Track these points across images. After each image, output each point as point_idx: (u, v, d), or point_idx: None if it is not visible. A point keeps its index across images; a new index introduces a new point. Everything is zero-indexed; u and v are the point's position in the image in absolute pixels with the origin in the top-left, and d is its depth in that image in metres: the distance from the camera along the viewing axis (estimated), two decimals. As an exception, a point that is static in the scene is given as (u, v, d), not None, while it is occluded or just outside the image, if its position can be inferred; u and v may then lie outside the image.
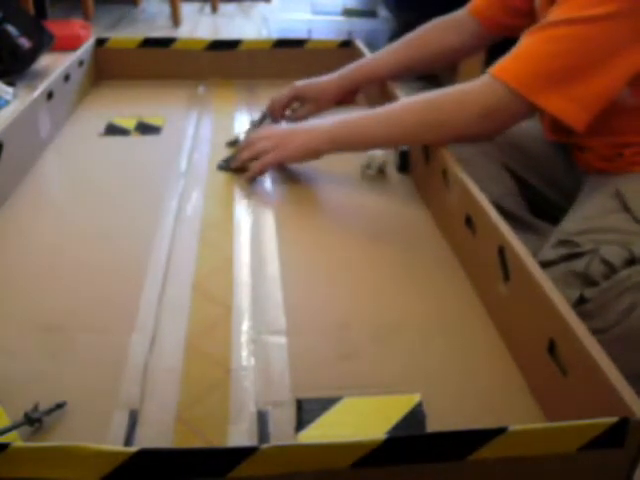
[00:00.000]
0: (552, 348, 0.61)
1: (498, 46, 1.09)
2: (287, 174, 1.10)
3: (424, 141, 1.01)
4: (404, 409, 0.61)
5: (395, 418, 0.60)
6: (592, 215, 0.94)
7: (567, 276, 0.86)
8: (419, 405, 0.61)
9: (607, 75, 0.87)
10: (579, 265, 0.86)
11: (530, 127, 1.21)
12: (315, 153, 1.04)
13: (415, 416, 0.60)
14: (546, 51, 0.89)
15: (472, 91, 0.93)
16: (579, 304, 0.83)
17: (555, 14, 0.89)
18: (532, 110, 0.91)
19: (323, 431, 0.58)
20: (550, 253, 0.91)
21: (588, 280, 0.85)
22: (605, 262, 0.85)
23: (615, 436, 0.49)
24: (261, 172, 1.06)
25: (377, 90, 1.34)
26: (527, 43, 0.91)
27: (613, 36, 0.86)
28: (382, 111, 1.00)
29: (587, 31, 0.86)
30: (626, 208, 0.92)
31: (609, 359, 0.54)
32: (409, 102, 1.00)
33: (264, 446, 0.45)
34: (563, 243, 0.91)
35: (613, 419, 0.48)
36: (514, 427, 0.47)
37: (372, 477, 0.47)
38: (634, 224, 0.89)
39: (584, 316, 0.80)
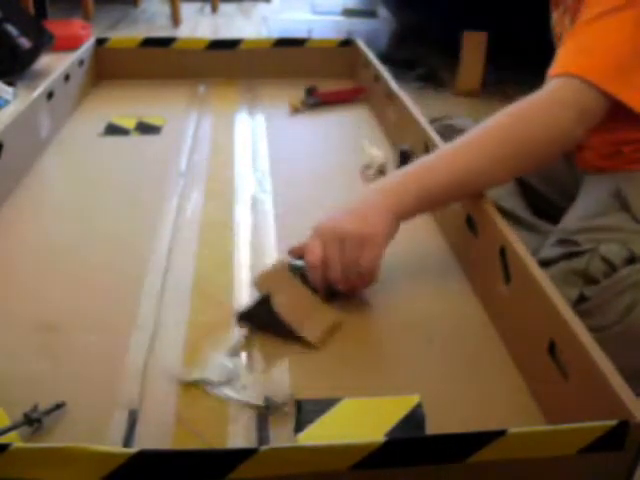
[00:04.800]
0: (552, 349, 0.61)
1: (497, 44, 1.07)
2: (287, 174, 1.09)
3: (515, 163, 0.81)
4: (403, 410, 0.61)
5: (394, 419, 0.60)
6: (592, 214, 0.94)
7: (567, 274, 0.86)
8: (418, 406, 0.61)
9: None
10: (579, 263, 0.86)
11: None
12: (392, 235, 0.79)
13: (414, 417, 0.60)
14: (616, 40, 0.84)
15: (558, 96, 0.82)
16: (579, 302, 0.83)
17: (601, 5, 0.85)
18: (611, 105, 0.84)
19: (322, 432, 0.58)
20: (550, 252, 0.91)
21: (588, 278, 0.85)
22: (605, 260, 0.85)
23: (615, 439, 0.48)
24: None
25: (379, 89, 1.34)
26: (589, 35, 0.85)
27: None
28: (453, 148, 0.82)
29: None
30: (626, 207, 0.92)
31: (609, 361, 0.54)
32: (486, 126, 0.82)
33: (263, 448, 0.45)
34: (563, 242, 0.91)
35: (613, 422, 0.48)
36: (514, 429, 0.47)
37: (371, 479, 0.47)
38: (634, 223, 0.90)
39: (584, 314, 0.80)
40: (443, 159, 0.80)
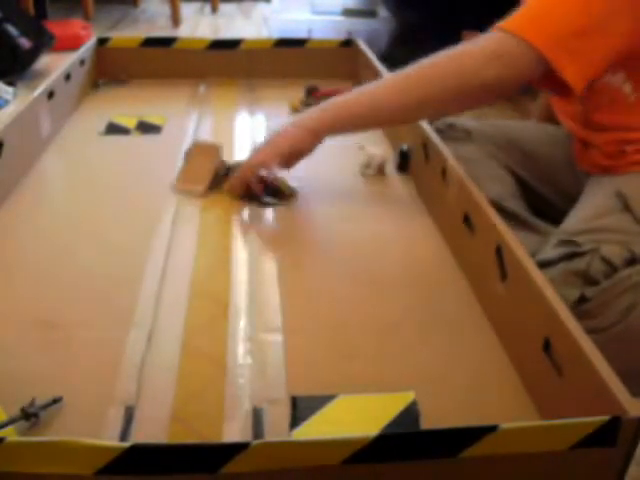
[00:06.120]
0: (547, 347, 0.61)
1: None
2: (286, 173, 1.10)
3: (427, 96, 0.92)
4: (398, 407, 0.61)
5: (389, 416, 0.60)
6: (593, 215, 0.94)
7: (568, 275, 0.86)
8: (413, 403, 0.62)
9: (608, 39, 0.87)
10: (580, 264, 0.86)
11: (533, 129, 1.21)
12: (305, 150, 0.99)
13: (409, 414, 0.60)
14: (555, 6, 0.89)
15: (478, 42, 0.90)
16: (580, 303, 0.83)
17: None
18: (539, 62, 0.88)
19: (317, 428, 0.59)
20: (551, 253, 0.91)
21: (589, 279, 0.85)
22: (606, 261, 0.85)
23: (607, 434, 0.49)
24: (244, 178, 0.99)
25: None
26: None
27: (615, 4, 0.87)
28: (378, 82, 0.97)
29: None
30: (627, 208, 0.92)
31: (603, 358, 0.54)
32: (420, 65, 0.93)
33: (255, 442, 0.45)
34: (564, 243, 0.91)
35: (605, 417, 0.48)
36: (505, 425, 0.47)
37: (363, 474, 0.47)
38: (635, 225, 0.90)
39: (585, 315, 0.80)
40: (365, 92, 0.97)
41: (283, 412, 0.61)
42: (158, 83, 1.53)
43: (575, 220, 0.97)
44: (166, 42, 1.57)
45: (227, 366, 0.67)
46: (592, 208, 0.96)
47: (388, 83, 0.97)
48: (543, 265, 0.86)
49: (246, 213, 0.97)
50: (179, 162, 1.13)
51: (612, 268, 0.85)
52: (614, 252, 0.85)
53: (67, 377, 0.64)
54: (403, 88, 0.93)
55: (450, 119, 1.22)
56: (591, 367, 0.53)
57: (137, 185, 1.05)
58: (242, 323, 0.73)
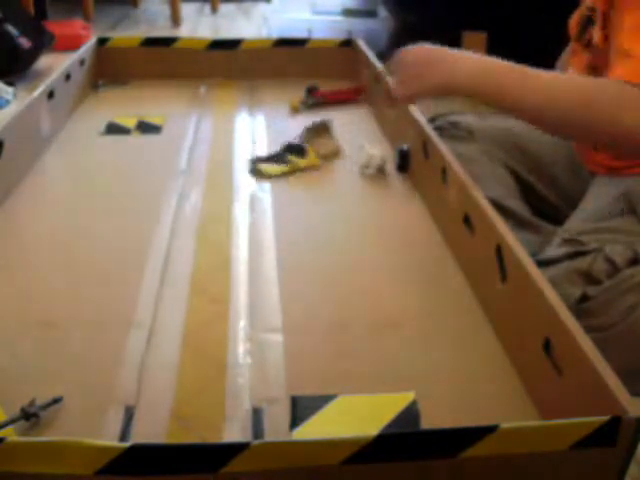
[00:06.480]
0: (547, 347, 0.61)
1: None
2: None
3: (583, 127, 0.86)
4: (398, 407, 0.61)
5: (389, 416, 0.60)
6: (598, 216, 0.94)
7: (571, 274, 0.86)
8: (413, 403, 0.62)
9: None
10: (583, 263, 0.86)
11: (536, 130, 1.21)
12: (449, 94, 0.96)
13: (409, 414, 0.60)
14: None
15: (627, 103, 0.82)
16: (582, 302, 0.83)
17: None
18: None
19: (317, 428, 0.59)
20: (555, 251, 0.91)
21: (591, 278, 0.85)
22: (609, 261, 0.85)
23: (607, 434, 0.49)
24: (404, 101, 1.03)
25: (379, 89, 1.33)
26: None
27: None
28: (543, 75, 0.87)
29: None
30: (633, 211, 0.92)
31: (603, 358, 0.54)
32: (577, 78, 0.88)
33: (255, 442, 0.45)
34: (568, 242, 0.91)
35: (605, 417, 0.48)
36: (505, 425, 0.47)
37: (362, 474, 0.47)
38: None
39: (587, 313, 0.80)
40: (529, 85, 0.87)
41: (283, 412, 0.61)
42: (158, 83, 1.53)
43: (580, 219, 0.96)
44: (166, 42, 1.57)
45: (227, 366, 0.67)
46: (598, 209, 0.96)
47: (554, 94, 0.87)
48: (547, 263, 0.86)
49: (246, 213, 0.97)
50: (179, 162, 1.13)
51: (615, 268, 0.84)
52: (617, 252, 0.85)
53: (67, 376, 0.64)
54: (559, 114, 0.87)
55: (454, 117, 1.22)
56: (591, 367, 0.53)
57: (137, 185, 1.05)
58: (242, 323, 0.73)
